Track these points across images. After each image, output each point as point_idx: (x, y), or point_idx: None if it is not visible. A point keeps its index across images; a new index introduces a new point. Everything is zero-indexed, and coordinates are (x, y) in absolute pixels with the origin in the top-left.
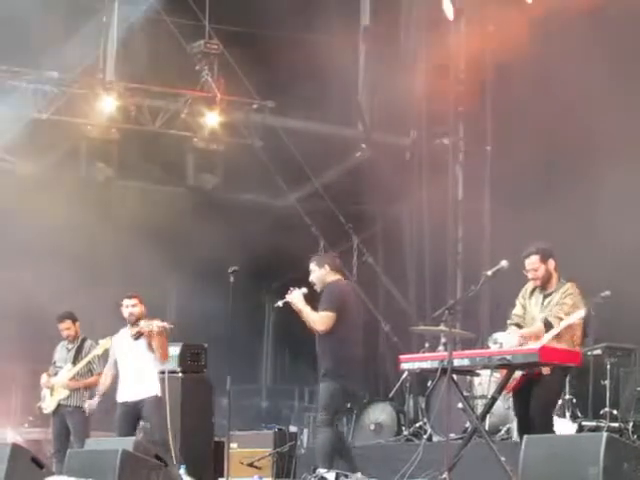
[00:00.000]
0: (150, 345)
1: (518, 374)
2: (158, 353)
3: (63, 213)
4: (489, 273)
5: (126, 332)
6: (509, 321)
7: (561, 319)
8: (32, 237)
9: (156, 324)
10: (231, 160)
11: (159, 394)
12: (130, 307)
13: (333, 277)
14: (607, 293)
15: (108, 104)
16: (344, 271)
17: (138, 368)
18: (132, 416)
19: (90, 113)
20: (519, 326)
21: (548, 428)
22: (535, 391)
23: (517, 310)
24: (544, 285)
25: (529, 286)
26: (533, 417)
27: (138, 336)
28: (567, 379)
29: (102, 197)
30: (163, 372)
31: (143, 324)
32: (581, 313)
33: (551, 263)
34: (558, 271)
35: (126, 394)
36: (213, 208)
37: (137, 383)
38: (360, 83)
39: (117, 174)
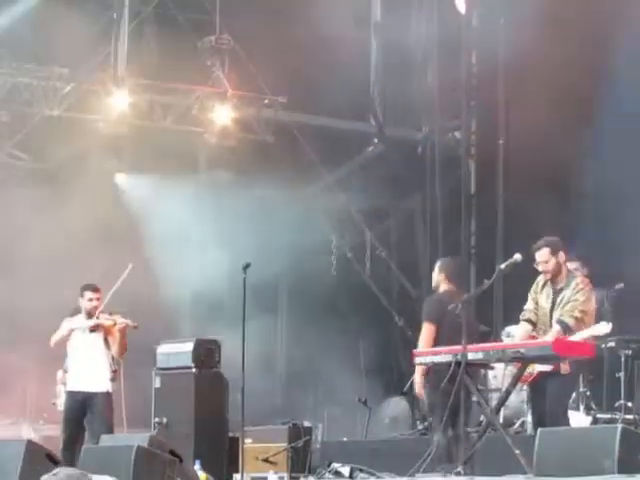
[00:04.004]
0: (106, 340)
1: (536, 370)
2: (114, 348)
3: (76, 210)
4: (503, 267)
5: (80, 321)
6: (521, 316)
7: (576, 318)
8: (46, 233)
9: (120, 321)
10: (244, 155)
11: (110, 390)
12: (95, 300)
13: (445, 286)
14: (621, 285)
15: (120, 100)
16: (459, 281)
17: (91, 361)
18: (81, 410)
19: (102, 109)
20: (531, 321)
21: (564, 420)
22: (550, 384)
23: (529, 305)
24: (554, 278)
25: (540, 280)
26: (549, 410)
27: (95, 329)
28: (582, 373)
29: (114, 193)
30: (115, 371)
31: (103, 318)
32: (607, 328)
33: (561, 256)
34: (567, 265)
35: (76, 384)
36: (226, 203)
37: (88, 376)
38: (372, 78)
39: (129, 170)
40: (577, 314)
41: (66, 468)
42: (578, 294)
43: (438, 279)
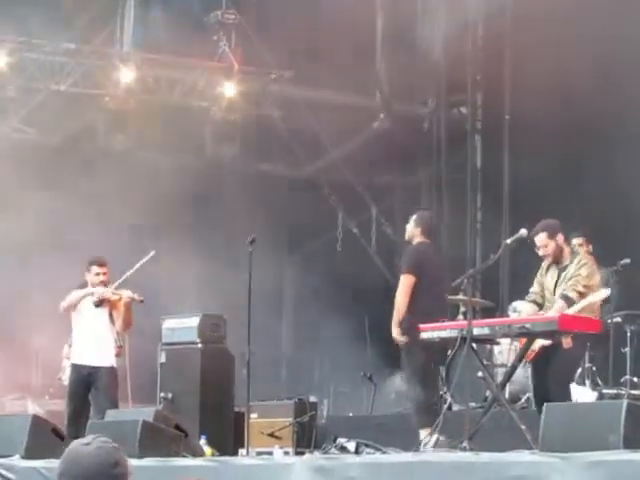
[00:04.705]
0: (111, 315)
1: (537, 345)
2: (119, 323)
3: (81, 184)
4: (508, 242)
5: (90, 289)
6: (527, 298)
7: (579, 292)
8: (50, 208)
9: (126, 294)
10: (249, 131)
11: (115, 365)
12: (102, 275)
13: (419, 239)
14: (627, 261)
15: (125, 75)
16: (434, 234)
17: (96, 335)
18: (85, 384)
19: (107, 84)
20: (536, 303)
21: (565, 399)
22: (553, 361)
23: (534, 288)
24: (557, 260)
25: (545, 264)
26: (551, 387)
27: (100, 303)
28: (586, 349)
29: (120, 168)
30: (121, 347)
31: (108, 292)
32: (605, 293)
33: (560, 238)
34: (568, 244)
35: (81, 358)
36: (231, 179)
37: (93, 350)
38: (378, 52)
39: (135, 145)
40: (580, 288)
41: (99, 438)
42: (581, 269)
43: (413, 232)
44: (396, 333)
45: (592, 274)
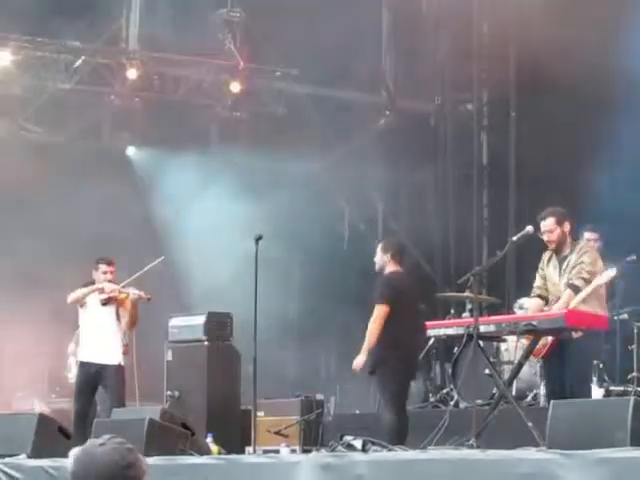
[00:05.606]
0: (118, 313)
1: (549, 339)
2: (125, 320)
3: (87, 181)
4: (514, 239)
5: (100, 283)
6: (532, 294)
7: (585, 279)
8: (57, 205)
9: (133, 292)
10: (255, 128)
11: (122, 363)
12: (109, 273)
13: (392, 268)
14: (633, 257)
15: (131, 73)
16: (403, 261)
17: (103, 333)
18: (92, 382)
19: (113, 82)
20: (542, 297)
21: (585, 394)
22: (568, 357)
23: (537, 282)
24: (559, 249)
25: (545, 256)
26: (569, 384)
27: (107, 302)
28: (601, 344)
29: (125, 165)
30: (127, 345)
31: (116, 290)
32: (612, 272)
33: (566, 226)
34: (573, 235)
35: (88, 355)
36: (236, 176)
37: (101, 348)
38: (384, 50)
39: (140, 143)
40: (585, 275)
41: (114, 438)
42: (584, 256)
43: (384, 259)
44: (359, 360)
45: (595, 260)
